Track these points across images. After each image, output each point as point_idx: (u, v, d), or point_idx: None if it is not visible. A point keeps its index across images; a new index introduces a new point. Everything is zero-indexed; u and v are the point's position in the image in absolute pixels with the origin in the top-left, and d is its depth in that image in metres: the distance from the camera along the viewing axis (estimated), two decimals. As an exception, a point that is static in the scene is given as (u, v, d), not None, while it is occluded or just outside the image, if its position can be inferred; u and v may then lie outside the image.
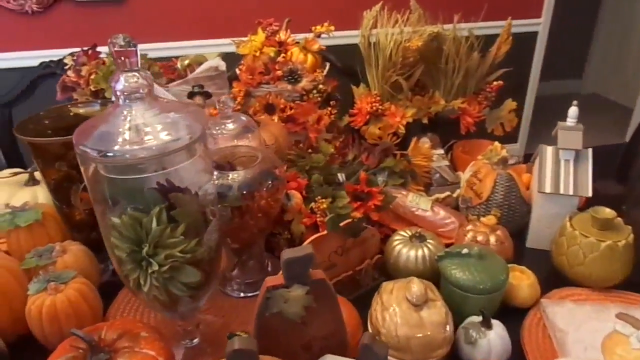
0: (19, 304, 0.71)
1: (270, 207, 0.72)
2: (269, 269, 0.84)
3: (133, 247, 0.57)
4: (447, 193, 1.02)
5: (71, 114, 0.85)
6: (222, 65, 1.15)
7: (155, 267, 0.56)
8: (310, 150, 1.04)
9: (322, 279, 0.49)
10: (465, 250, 0.71)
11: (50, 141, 0.72)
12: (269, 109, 1.07)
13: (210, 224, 0.59)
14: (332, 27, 1.11)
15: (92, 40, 2.08)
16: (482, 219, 0.83)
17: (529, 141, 2.99)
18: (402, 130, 1.11)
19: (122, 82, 0.51)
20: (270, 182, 0.71)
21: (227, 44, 2.16)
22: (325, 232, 0.71)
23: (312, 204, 0.80)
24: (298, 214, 0.80)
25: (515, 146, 2.90)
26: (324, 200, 0.79)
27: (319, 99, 1.08)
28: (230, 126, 0.69)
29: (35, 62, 2.04)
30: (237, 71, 1.11)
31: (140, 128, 0.52)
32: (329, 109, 1.09)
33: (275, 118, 1.06)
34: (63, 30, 2.06)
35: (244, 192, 0.69)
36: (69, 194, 0.76)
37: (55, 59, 2.01)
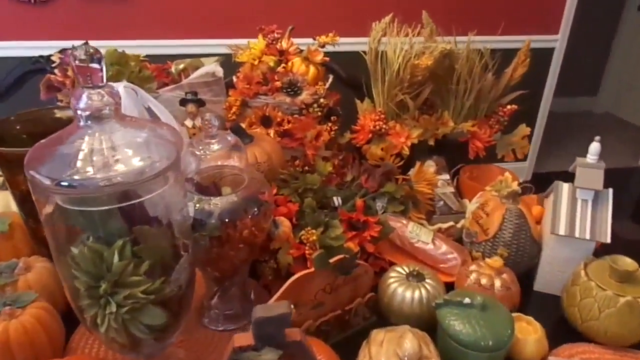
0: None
1: (254, 236, 0.65)
2: (252, 297, 0.78)
3: (91, 283, 0.51)
4: (451, 223, 0.95)
5: (51, 118, 0.78)
6: (220, 72, 1.08)
7: (114, 308, 0.49)
8: (306, 168, 0.97)
9: (299, 341, 0.42)
10: (467, 300, 0.64)
11: (13, 151, 0.65)
12: (265, 121, 1.00)
13: (180, 260, 0.52)
14: (338, 38, 1.04)
15: (95, 33, 2.04)
16: (487, 260, 0.76)
17: (539, 159, 2.91)
18: (406, 151, 1.04)
19: (85, 101, 0.44)
20: (255, 210, 0.65)
21: (224, 45, 2.12)
22: (312, 269, 0.64)
23: (302, 234, 0.73)
24: (286, 242, 0.73)
25: (524, 164, 2.82)
26: (313, 231, 0.72)
27: (319, 113, 1.01)
28: (215, 147, 0.62)
29: (36, 53, 2.00)
30: (234, 79, 1.05)
31: (104, 153, 0.45)
32: (329, 124, 1.03)
33: (272, 132, 0.99)
34: (65, 22, 2.01)
35: (226, 219, 0.62)
36: (36, 209, 0.69)
37: (47, 53, 1.97)
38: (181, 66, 1.04)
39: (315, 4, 2.17)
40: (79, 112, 0.44)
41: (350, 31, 2.15)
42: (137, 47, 2.02)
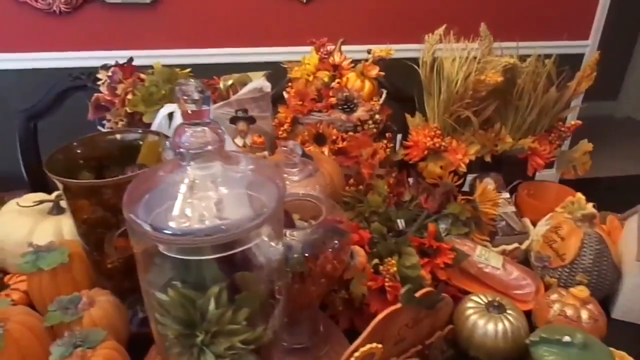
0: (40, 369, 0.61)
1: (335, 270, 0.61)
2: (321, 329, 0.74)
3: (183, 331, 0.47)
4: (515, 245, 0.91)
5: (108, 141, 0.75)
6: (267, 87, 1.04)
7: (212, 359, 0.46)
8: (360, 187, 0.94)
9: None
10: (567, 338, 0.60)
11: (87, 184, 0.62)
12: (319, 139, 0.96)
13: (278, 305, 0.48)
14: (392, 51, 1.00)
15: (120, 43, 2.01)
16: (571, 289, 0.71)
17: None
18: (463, 169, 1.00)
19: (188, 139, 0.40)
20: (336, 242, 0.61)
21: (262, 53, 2.09)
22: (399, 305, 0.60)
23: (378, 264, 0.70)
24: (360, 273, 0.69)
25: (552, 172, 2.76)
26: (393, 261, 0.68)
27: (375, 130, 0.97)
28: (296, 177, 0.59)
29: (61, 64, 1.98)
30: (285, 94, 1.01)
31: (205, 198, 0.41)
32: (385, 142, 0.99)
33: (326, 150, 0.96)
34: (91, 32, 1.98)
35: (307, 253, 0.59)
36: (102, 240, 0.66)
37: (81, 65, 1.95)
38: (229, 82, 1.01)
39: (356, 12, 2.13)
40: (182, 150, 0.41)
41: (396, 38, 2.13)
42: (163, 56, 2.01)
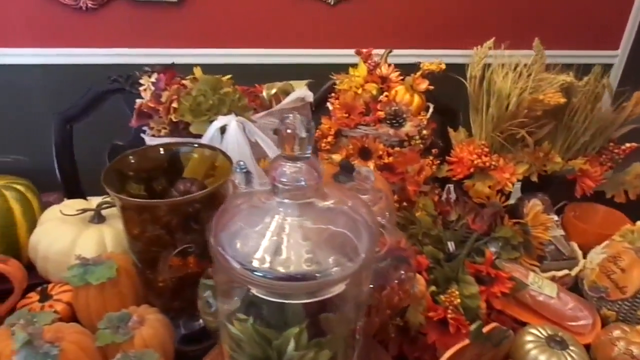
0: (91, 391, 0.59)
1: (400, 301, 0.59)
2: (372, 357, 0.71)
3: (257, 368, 0.45)
4: (565, 271, 0.88)
5: (157, 153, 0.73)
6: (309, 96, 1.02)
7: (288, 401, 0.44)
8: (404, 204, 0.91)
9: None
10: (643, 384, 0.57)
11: (148, 203, 0.60)
12: (364, 154, 0.94)
13: (357, 345, 0.46)
14: (443, 65, 0.97)
15: (146, 40, 1.99)
16: (638, 327, 0.68)
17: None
18: (510, 188, 0.97)
19: (285, 173, 0.38)
20: (402, 272, 0.58)
21: (289, 55, 2.06)
22: (467, 341, 0.57)
23: (436, 292, 0.67)
24: (419, 301, 0.67)
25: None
26: (457, 293, 0.66)
27: (421, 146, 0.95)
28: (341, 199, 0.56)
29: (86, 60, 1.97)
30: (329, 105, 0.99)
31: (297, 237, 0.39)
32: (431, 158, 0.96)
33: (371, 165, 0.93)
34: (117, 29, 1.96)
35: (372, 285, 0.56)
36: (156, 259, 0.64)
37: (105, 62, 1.93)
38: (273, 91, 0.98)
39: (385, 16, 2.09)
40: (277, 184, 0.38)
41: (423, 43, 2.09)
42: (189, 55, 1.99)
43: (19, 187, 0.85)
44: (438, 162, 0.97)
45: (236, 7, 1.99)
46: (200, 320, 0.76)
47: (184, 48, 1.98)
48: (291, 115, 0.37)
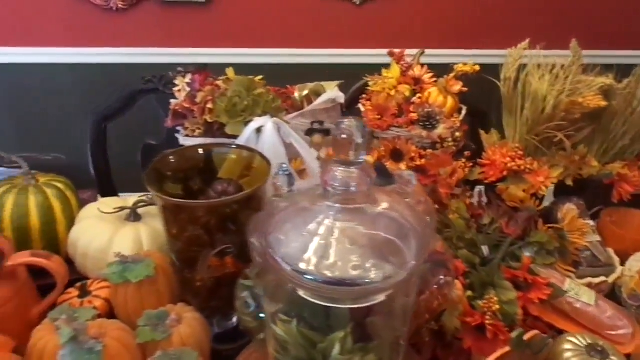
0: (132, 387, 0.60)
1: (440, 306, 0.58)
2: (404, 360, 0.71)
3: (301, 371, 0.45)
4: (603, 278, 0.86)
5: (196, 154, 0.74)
6: (340, 98, 1.02)
7: (332, 405, 0.44)
8: (436, 207, 0.90)
9: None
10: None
11: (190, 204, 0.61)
12: (396, 155, 0.93)
13: (402, 351, 0.46)
14: (478, 67, 0.96)
15: (176, 41, 2.02)
16: (682, 337, 0.67)
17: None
18: (544, 192, 0.95)
19: (337, 177, 0.38)
20: (441, 277, 0.58)
21: (314, 55, 2.06)
22: (507, 349, 0.57)
23: (473, 297, 0.66)
24: (455, 305, 0.66)
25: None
26: (495, 299, 0.65)
27: (454, 148, 0.94)
28: (390, 205, 0.56)
29: (117, 60, 2.00)
30: (360, 107, 0.98)
31: (347, 242, 0.39)
32: (464, 160, 0.95)
33: (403, 167, 0.92)
34: (146, 29, 1.99)
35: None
36: (196, 259, 0.65)
37: (135, 61, 1.96)
38: (305, 92, 0.98)
39: (410, 16, 2.08)
40: (328, 188, 0.38)
41: (449, 43, 2.07)
42: (217, 55, 2.01)
43: (58, 184, 0.87)
44: (471, 164, 0.95)
45: (262, 8, 2.01)
46: (234, 319, 0.77)
47: (211, 48, 2.00)
48: (347, 120, 0.37)
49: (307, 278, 0.38)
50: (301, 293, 0.41)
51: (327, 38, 2.08)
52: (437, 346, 0.72)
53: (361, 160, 0.38)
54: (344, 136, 0.37)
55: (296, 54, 2.06)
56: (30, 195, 0.83)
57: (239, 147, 0.72)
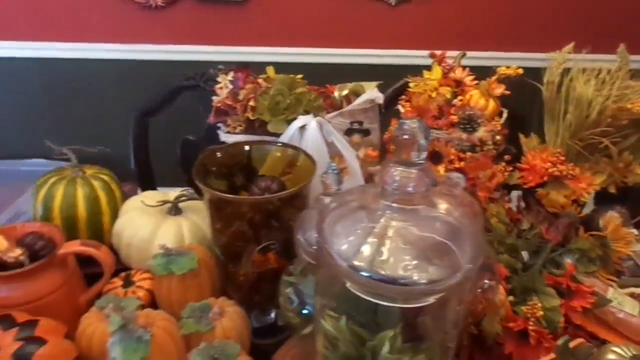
0: (176, 376, 0.62)
1: (483, 310, 0.58)
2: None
3: (349, 368, 0.46)
4: (646, 288, 0.84)
5: (242, 151, 0.75)
6: (380, 98, 1.02)
7: (381, 403, 0.44)
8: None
9: None
10: None
11: (240, 199, 0.62)
12: (435, 157, 0.93)
13: (451, 354, 0.46)
14: (521, 70, 0.95)
15: (213, 38, 2.05)
16: None
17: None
18: (585, 199, 0.93)
19: (395, 177, 0.38)
20: (486, 281, 0.58)
21: (349, 55, 2.06)
22: (552, 355, 0.56)
23: (515, 303, 0.66)
24: (497, 310, 0.66)
25: None
26: (539, 304, 0.64)
27: (494, 151, 0.93)
28: (447, 208, 0.56)
29: (155, 56, 2.05)
30: (400, 108, 0.98)
31: (402, 242, 0.39)
32: (504, 164, 0.94)
33: (441, 169, 0.92)
34: (184, 26, 2.03)
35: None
36: (240, 253, 0.66)
37: (172, 58, 2.00)
38: (345, 92, 0.99)
39: (446, 17, 2.06)
40: (386, 188, 0.39)
41: (483, 45, 2.04)
42: (253, 53, 2.03)
43: (104, 176, 0.90)
44: (511, 169, 0.94)
45: (296, 7, 2.02)
46: (272, 315, 0.79)
47: (247, 46, 2.03)
48: (409, 121, 0.38)
49: (362, 275, 0.38)
50: (354, 289, 0.41)
51: (360, 38, 2.08)
52: (475, 350, 0.72)
53: (421, 162, 0.38)
54: (406, 137, 0.37)
55: (330, 53, 2.07)
56: (78, 186, 0.85)
57: (284, 145, 0.73)
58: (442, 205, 0.42)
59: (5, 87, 2.14)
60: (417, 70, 1.03)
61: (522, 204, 0.97)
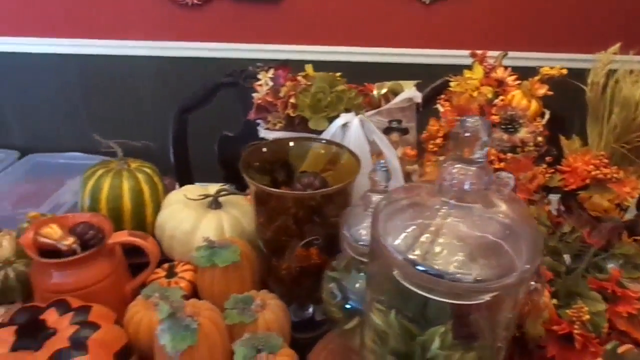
0: (220, 365, 0.64)
1: (529, 312, 0.58)
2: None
3: (397, 362, 0.46)
4: (693, 297, 0.81)
5: (285, 147, 0.76)
6: (418, 97, 1.02)
7: (430, 398, 0.44)
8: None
9: None
10: None
11: (287, 194, 0.63)
12: (475, 157, 0.92)
13: (501, 355, 0.46)
14: (565, 70, 0.93)
15: (247, 36, 2.08)
16: None
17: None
18: (628, 203, 0.91)
19: (454, 174, 0.39)
20: (533, 282, 0.57)
21: (382, 54, 2.06)
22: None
23: (560, 308, 0.65)
24: (541, 312, 0.65)
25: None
26: (586, 308, 0.63)
27: (535, 153, 0.92)
28: (503, 208, 0.55)
29: (191, 53, 2.09)
30: (439, 107, 0.98)
31: (456, 239, 0.40)
32: (545, 166, 0.92)
33: (481, 169, 0.91)
34: (219, 24, 2.06)
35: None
36: (284, 247, 0.67)
37: (207, 55, 2.04)
38: (383, 91, 0.99)
39: (481, 16, 2.03)
40: (444, 184, 0.39)
41: (521, 45, 2.01)
42: (288, 52, 2.05)
43: (147, 170, 0.93)
44: (552, 171, 0.93)
45: (330, 6, 2.03)
46: (310, 310, 0.80)
47: (281, 44, 2.05)
48: (472, 118, 0.38)
49: (417, 269, 0.39)
50: (407, 284, 0.41)
51: (394, 37, 2.07)
52: (515, 353, 0.71)
53: (481, 160, 0.38)
54: (467, 134, 0.37)
55: (364, 52, 2.07)
56: (124, 179, 0.88)
57: (329, 142, 0.74)
58: (501, 206, 0.42)
59: (46, 82, 2.22)
60: (452, 70, 1.03)
61: (562, 207, 0.96)
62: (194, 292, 0.79)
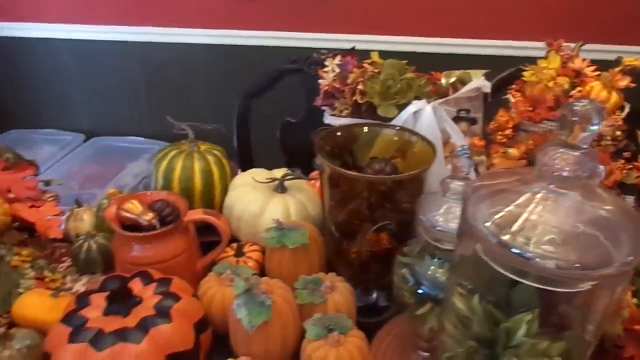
0: (291, 342, 0.65)
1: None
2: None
3: (481, 350, 0.46)
4: None
5: (364, 130, 0.77)
6: (487, 87, 0.99)
7: (514, 386, 0.44)
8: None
9: None
10: None
11: (367, 178, 0.64)
12: (547, 150, 0.89)
13: (590, 349, 0.45)
14: (649, 61, 0.88)
15: (295, 24, 2.08)
16: None
17: None
18: None
19: (556, 158, 0.38)
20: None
21: (430, 44, 2.02)
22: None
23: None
24: (621, 311, 0.63)
25: None
26: (673, 309, 0.61)
27: (613, 147, 0.88)
28: (605, 197, 0.52)
29: (246, 42, 2.12)
30: (510, 97, 0.95)
31: (547, 228, 0.39)
32: (622, 161, 0.88)
33: (553, 162, 0.88)
34: (275, 13, 2.08)
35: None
36: (355, 231, 0.68)
37: (261, 43, 2.06)
38: (452, 79, 0.97)
39: (523, 3, 1.95)
40: (544, 168, 0.38)
41: (572, 36, 1.91)
42: (347, 41, 2.03)
43: (216, 152, 0.96)
44: (630, 166, 0.89)
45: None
46: (374, 295, 0.80)
47: (332, 33, 2.04)
48: (581, 102, 0.37)
49: (513, 251, 0.38)
50: (498, 267, 0.41)
51: (458, 27, 2.01)
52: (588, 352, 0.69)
53: (585, 147, 0.37)
54: (575, 118, 0.36)
55: (427, 42, 2.02)
56: (195, 160, 0.91)
57: (402, 128, 0.74)
58: (603, 195, 0.41)
59: (107, 69, 2.31)
60: (519, 61, 0.99)
61: (638, 206, 0.92)
62: (262, 273, 0.81)
